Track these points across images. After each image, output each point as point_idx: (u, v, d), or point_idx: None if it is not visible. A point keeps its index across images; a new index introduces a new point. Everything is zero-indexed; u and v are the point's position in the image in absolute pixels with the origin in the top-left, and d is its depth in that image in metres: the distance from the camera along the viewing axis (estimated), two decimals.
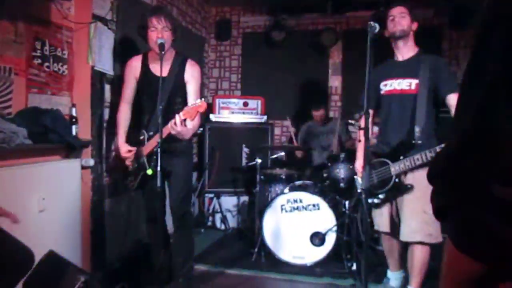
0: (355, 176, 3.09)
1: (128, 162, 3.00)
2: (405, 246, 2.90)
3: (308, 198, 3.75)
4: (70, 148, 2.94)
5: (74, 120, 3.00)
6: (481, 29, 0.61)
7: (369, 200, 2.86)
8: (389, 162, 2.78)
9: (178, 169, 3.00)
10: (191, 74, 3.01)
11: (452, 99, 2.66)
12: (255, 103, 5.28)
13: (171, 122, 2.65)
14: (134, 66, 3.05)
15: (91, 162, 3.19)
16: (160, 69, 2.67)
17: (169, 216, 3.12)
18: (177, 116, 2.63)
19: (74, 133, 2.97)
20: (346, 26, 5.48)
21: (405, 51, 2.85)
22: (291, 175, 4.28)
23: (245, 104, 5.26)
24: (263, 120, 5.15)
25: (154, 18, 2.82)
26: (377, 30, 2.50)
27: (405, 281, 2.99)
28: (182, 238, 3.11)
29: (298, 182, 4.08)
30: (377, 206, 2.90)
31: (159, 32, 2.81)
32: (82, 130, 3.10)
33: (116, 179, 3.48)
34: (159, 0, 4.29)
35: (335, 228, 3.62)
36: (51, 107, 2.87)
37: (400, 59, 2.87)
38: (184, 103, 3.00)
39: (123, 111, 3.10)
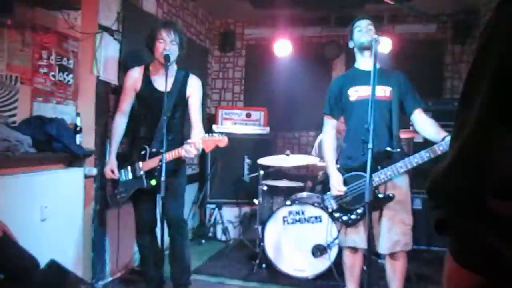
0: (327, 194, 2.94)
1: (107, 176, 3.04)
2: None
3: (310, 210, 3.74)
4: (74, 157, 2.95)
5: (78, 129, 3.02)
6: (480, 44, 0.63)
7: (345, 218, 2.82)
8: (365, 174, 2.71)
9: (172, 179, 3.00)
10: (194, 89, 3.05)
11: (418, 114, 2.76)
12: (258, 115, 5.30)
13: (190, 149, 2.70)
14: (135, 78, 3.06)
15: (94, 171, 3.19)
16: (165, 82, 2.72)
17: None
18: (196, 143, 2.70)
19: (78, 142, 2.98)
20: None
21: (371, 61, 2.72)
22: (294, 187, 4.28)
23: (248, 115, 5.28)
24: (265, 132, 5.16)
25: (164, 30, 2.87)
26: (381, 42, 2.52)
27: None
28: (180, 247, 3.11)
29: (300, 194, 4.07)
30: (354, 222, 2.80)
31: (166, 44, 2.84)
32: (86, 139, 3.11)
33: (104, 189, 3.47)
34: (165, 12, 4.33)
35: (337, 241, 3.60)
36: (56, 116, 2.89)
37: (365, 68, 2.82)
38: (183, 117, 3.06)
39: (119, 122, 3.10)
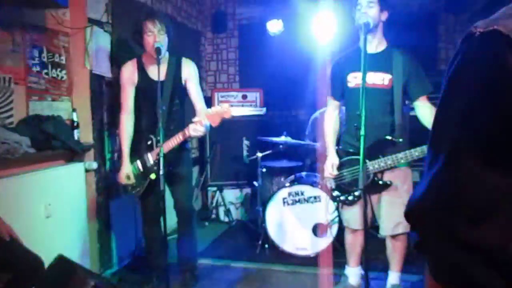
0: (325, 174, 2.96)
1: (122, 182, 2.98)
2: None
3: (309, 190, 3.80)
4: (73, 153, 2.99)
5: (75, 124, 3.05)
6: (449, 78, 0.66)
7: (342, 198, 2.88)
8: (366, 160, 2.64)
9: (181, 169, 3.05)
10: (189, 72, 3.03)
11: (420, 102, 2.69)
12: (254, 95, 5.30)
13: (196, 127, 2.70)
14: (131, 71, 3.00)
15: (94, 165, 3.24)
16: (158, 73, 2.69)
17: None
18: (201, 120, 2.68)
19: (76, 137, 3.02)
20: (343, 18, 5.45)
21: (374, 43, 2.72)
22: (293, 167, 4.33)
23: (244, 97, 5.29)
24: (262, 112, 5.17)
25: (149, 22, 2.81)
26: (371, 26, 2.51)
27: (362, 279, 2.90)
28: (188, 236, 3.18)
29: (299, 174, 4.12)
30: (350, 203, 2.85)
31: (155, 36, 2.81)
32: (84, 134, 3.14)
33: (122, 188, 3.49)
34: None
35: (337, 219, 3.68)
36: (52, 113, 2.91)
37: (369, 51, 2.63)
38: (182, 103, 3.06)
39: (125, 123, 2.98)
